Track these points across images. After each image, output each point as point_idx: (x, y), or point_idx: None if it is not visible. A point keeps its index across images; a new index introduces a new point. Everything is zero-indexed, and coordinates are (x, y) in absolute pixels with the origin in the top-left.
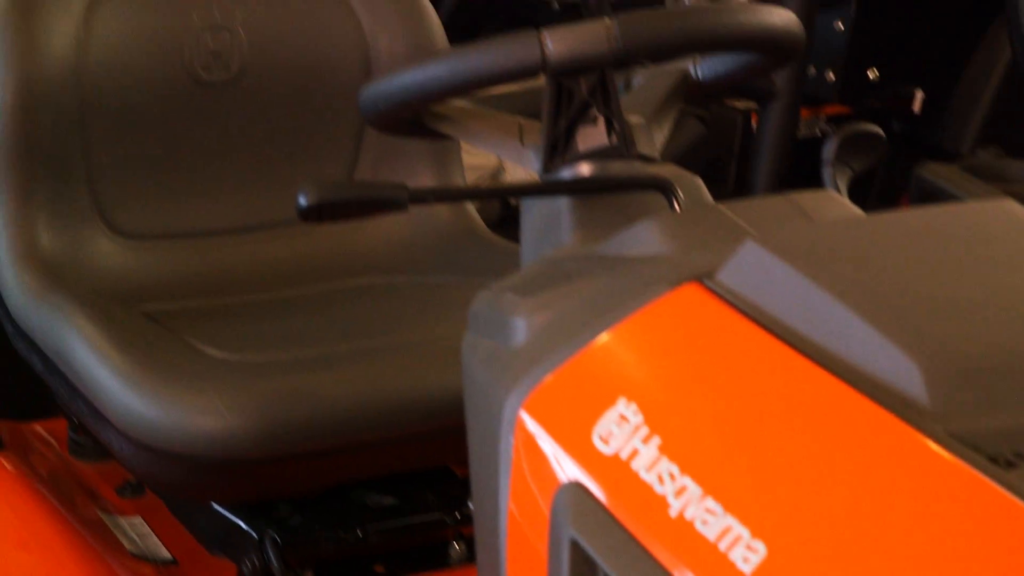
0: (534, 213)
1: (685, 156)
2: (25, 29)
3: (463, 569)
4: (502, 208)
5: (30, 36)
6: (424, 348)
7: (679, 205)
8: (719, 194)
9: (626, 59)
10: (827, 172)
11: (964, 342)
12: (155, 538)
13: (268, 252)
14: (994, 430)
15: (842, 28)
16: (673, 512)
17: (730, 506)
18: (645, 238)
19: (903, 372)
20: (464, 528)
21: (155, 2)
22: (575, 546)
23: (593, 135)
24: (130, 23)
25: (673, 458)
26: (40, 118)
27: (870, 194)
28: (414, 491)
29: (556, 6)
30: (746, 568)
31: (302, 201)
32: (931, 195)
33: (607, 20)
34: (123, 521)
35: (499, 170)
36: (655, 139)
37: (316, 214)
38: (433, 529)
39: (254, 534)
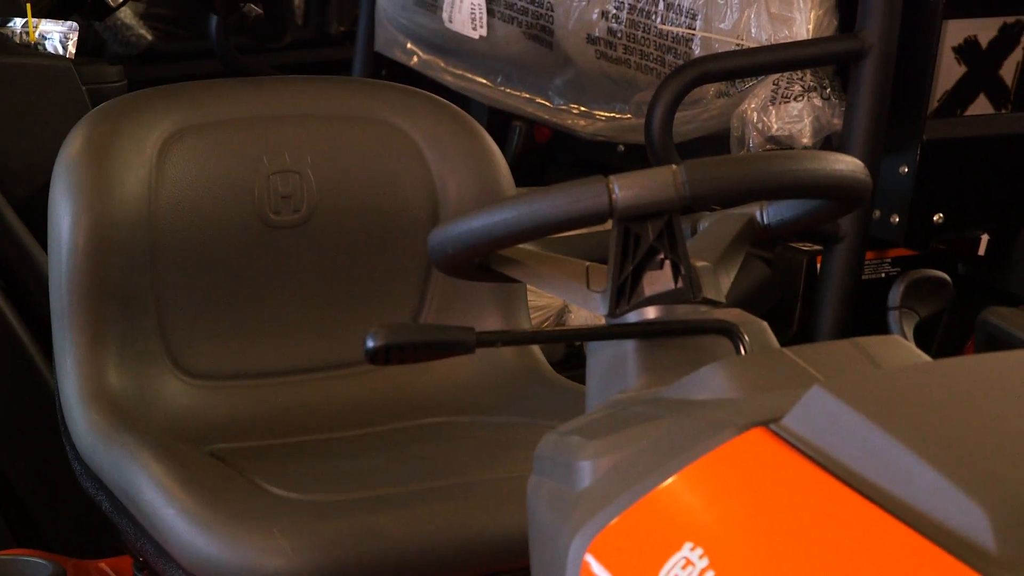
0: (600, 356)
1: (749, 297)
2: (98, 172)
3: None
4: (567, 347)
5: (103, 178)
6: (489, 489)
7: (745, 349)
8: (783, 336)
9: (693, 205)
10: (893, 317)
11: None
12: None
13: (334, 393)
14: None
15: (907, 172)
16: None
17: None
18: (711, 382)
19: (970, 518)
20: None
21: (226, 146)
22: None
23: (659, 279)
24: (201, 166)
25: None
26: (112, 259)
27: (935, 338)
28: None
29: (621, 148)
30: None
31: (370, 344)
32: (996, 339)
33: (674, 167)
34: None
35: (564, 310)
36: (721, 283)
37: (384, 357)
38: None
39: None
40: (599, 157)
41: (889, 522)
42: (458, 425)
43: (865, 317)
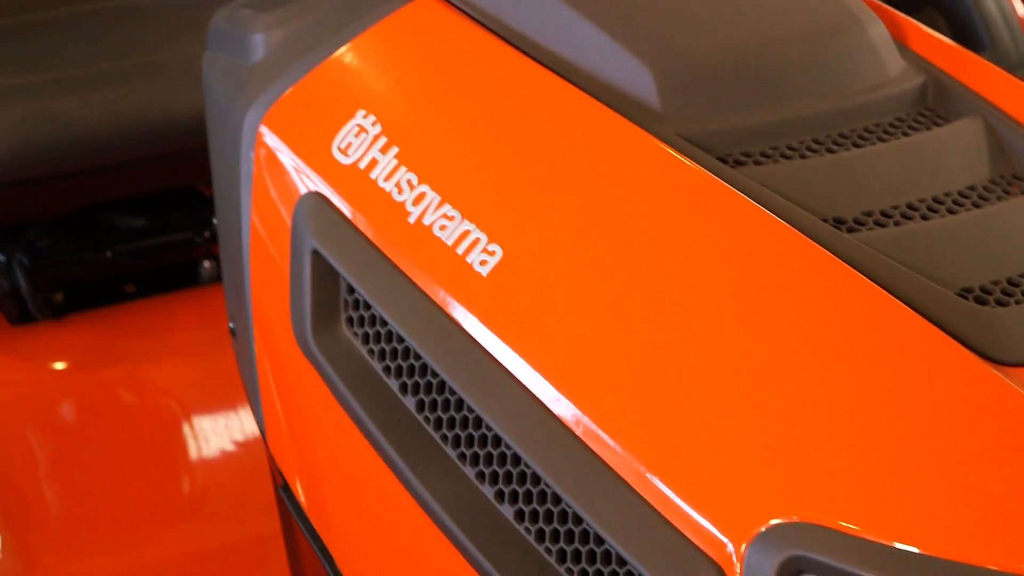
0: None
1: None
2: None
3: (213, 287)
4: None
5: None
6: (169, 69)
7: None
8: None
9: None
10: None
11: (694, 46)
12: None
13: None
14: (723, 130)
15: None
16: (412, 219)
17: (468, 212)
18: None
19: (635, 77)
20: (213, 247)
21: None
22: (316, 256)
23: None
24: None
25: (411, 167)
26: None
27: None
28: (163, 211)
29: None
30: (483, 270)
31: None
32: None
33: None
34: None
35: None
36: None
37: None
38: (182, 248)
39: (1, 258)
40: None
41: (557, 83)
42: (136, 7)
43: None
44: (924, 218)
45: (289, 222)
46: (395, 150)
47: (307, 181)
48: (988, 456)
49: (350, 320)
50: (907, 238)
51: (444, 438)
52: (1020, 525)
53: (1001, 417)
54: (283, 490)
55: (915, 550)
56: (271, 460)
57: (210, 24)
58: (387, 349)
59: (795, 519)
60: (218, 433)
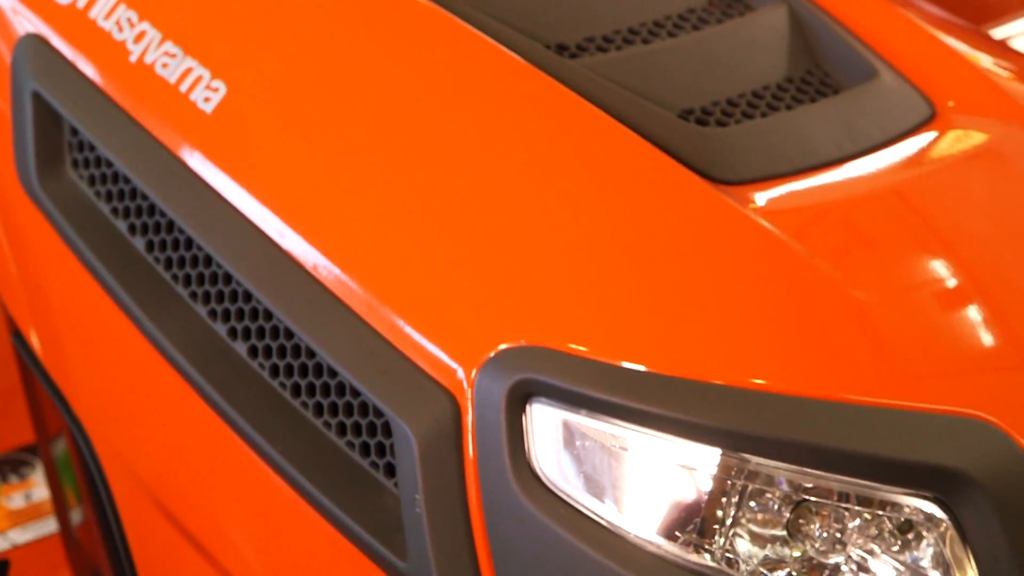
0: None
1: None
2: None
3: None
4: None
5: None
6: None
7: None
8: None
9: None
10: None
11: None
12: None
13: None
14: None
15: None
16: (133, 58)
17: (190, 49)
18: None
19: None
20: None
21: None
22: (37, 99)
23: None
24: None
25: (131, 4)
26: None
27: None
28: None
29: None
30: (207, 107)
31: None
32: None
33: None
34: None
35: None
36: None
37: None
38: None
39: None
40: None
41: None
42: None
43: None
44: (645, 42)
45: (8, 64)
46: None
47: (25, 22)
48: (711, 275)
49: (75, 163)
50: (629, 62)
51: (175, 278)
52: (741, 341)
53: (723, 236)
54: (16, 337)
55: (642, 368)
56: (4, 307)
57: None
58: (114, 191)
59: (523, 343)
60: None
